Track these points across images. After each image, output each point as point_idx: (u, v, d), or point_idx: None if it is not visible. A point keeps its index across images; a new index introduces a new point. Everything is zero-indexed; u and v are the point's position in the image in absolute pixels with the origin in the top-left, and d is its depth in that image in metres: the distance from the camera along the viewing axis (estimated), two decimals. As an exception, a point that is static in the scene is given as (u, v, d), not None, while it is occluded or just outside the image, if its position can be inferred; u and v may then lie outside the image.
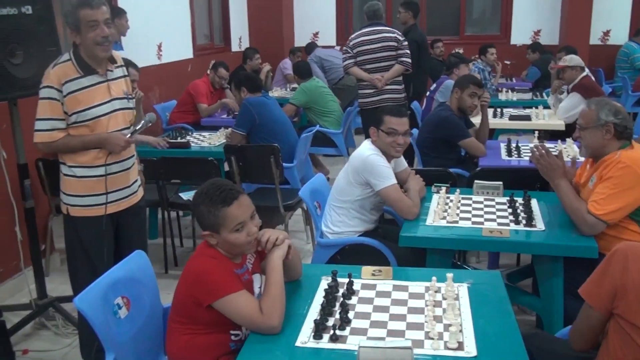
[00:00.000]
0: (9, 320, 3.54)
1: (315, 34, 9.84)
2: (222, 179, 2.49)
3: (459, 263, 3.46)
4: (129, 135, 2.83)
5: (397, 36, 5.55)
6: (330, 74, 8.03)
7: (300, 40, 9.80)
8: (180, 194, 4.31)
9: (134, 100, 3.00)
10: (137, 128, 2.89)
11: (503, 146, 4.39)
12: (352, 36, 5.66)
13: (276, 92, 7.64)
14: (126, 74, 2.97)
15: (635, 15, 8.87)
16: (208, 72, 6.43)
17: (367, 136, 3.26)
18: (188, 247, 4.69)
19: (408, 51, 5.55)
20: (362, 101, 5.61)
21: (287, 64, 8.88)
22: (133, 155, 2.99)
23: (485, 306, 2.07)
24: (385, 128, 3.08)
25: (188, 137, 4.99)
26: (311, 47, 8.61)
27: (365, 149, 3.07)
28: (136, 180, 3.04)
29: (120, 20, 5.34)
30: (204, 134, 5.15)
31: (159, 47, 6.81)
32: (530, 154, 3.93)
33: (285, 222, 4.24)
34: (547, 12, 9.05)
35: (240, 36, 9.10)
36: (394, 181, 2.99)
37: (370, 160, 3.00)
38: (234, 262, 2.03)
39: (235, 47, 8.93)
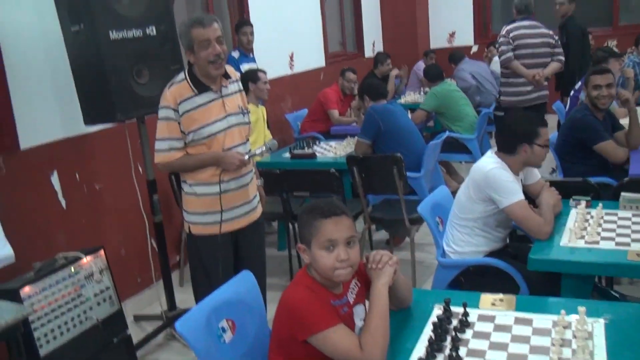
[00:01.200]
0: (143, 330, 3.73)
1: (452, 34, 9.49)
2: (337, 200, 2.39)
3: (604, 287, 3.06)
4: (247, 157, 2.82)
5: (552, 33, 5.38)
6: (479, 98, 6.97)
7: (436, 41, 9.51)
8: (305, 206, 4.29)
9: (248, 114, 2.98)
10: (257, 152, 2.88)
11: (661, 150, 3.87)
12: (510, 27, 5.33)
13: (409, 97, 7.44)
14: (241, 88, 2.97)
15: None
16: (339, 79, 6.42)
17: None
18: (314, 259, 4.66)
19: (562, 49, 5.35)
20: (509, 99, 5.29)
21: (421, 67, 8.63)
22: (251, 171, 2.98)
23: (626, 349, 1.75)
24: (542, 142, 2.81)
25: (315, 147, 4.97)
26: (456, 57, 7.57)
27: (488, 162, 2.80)
28: (255, 196, 3.03)
29: (240, 36, 5.47)
30: (331, 143, 5.10)
31: (291, 57, 6.90)
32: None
33: (412, 235, 4.04)
34: None
35: (373, 41, 9.01)
36: (521, 197, 2.70)
37: (492, 175, 2.73)
38: (333, 292, 1.89)
39: (368, 53, 8.85)
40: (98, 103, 3.14)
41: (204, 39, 2.67)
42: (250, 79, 4.74)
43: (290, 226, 4.28)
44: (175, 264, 4.44)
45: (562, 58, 5.34)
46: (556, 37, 5.41)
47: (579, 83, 5.22)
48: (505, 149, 2.85)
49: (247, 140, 2.95)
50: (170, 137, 2.75)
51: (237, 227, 2.90)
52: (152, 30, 3.21)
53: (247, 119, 2.95)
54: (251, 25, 5.59)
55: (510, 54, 5.23)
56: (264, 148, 2.90)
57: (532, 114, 2.98)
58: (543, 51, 5.29)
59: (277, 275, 4.31)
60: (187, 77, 2.75)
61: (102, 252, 3.09)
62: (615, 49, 7.63)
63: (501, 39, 5.33)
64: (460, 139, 5.63)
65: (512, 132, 2.86)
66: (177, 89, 2.74)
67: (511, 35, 5.25)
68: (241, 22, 5.67)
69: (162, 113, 2.76)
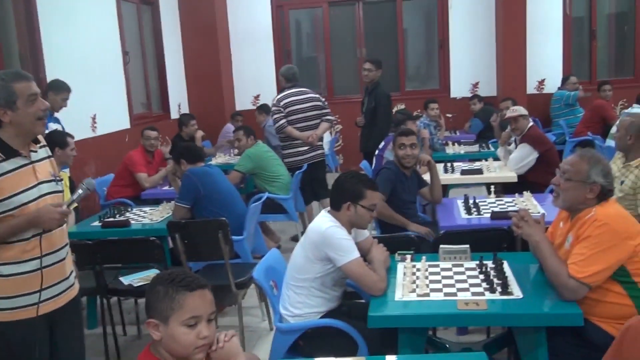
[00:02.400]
0: None
1: (257, 97, 9.70)
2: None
3: (433, 338, 3.19)
4: (65, 206, 2.48)
5: (319, 96, 6.13)
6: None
7: (242, 104, 9.65)
8: (120, 279, 3.93)
9: (62, 182, 2.67)
10: (74, 197, 2.56)
11: (461, 203, 4.24)
12: (280, 96, 5.98)
13: (220, 159, 7.37)
14: (50, 154, 2.66)
15: (566, 64, 9.14)
16: (141, 141, 6.16)
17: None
18: (132, 335, 4.28)
19: (329, 110, 6.12)
20: (292, 160, 5.95)
21: (229, 130, 8.66)
22: (67, 244, 2.65)
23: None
24: (368, 204, 2.87)
25: (128, 214, 4.64)
26: (267, 108, 7.79)
27: (323, 221, 2.83)
28: (72, 272, 2.69)
29: (55, 96, 5.08)
30: (145, 209, 4.80)
31: (93, 118, 6.49)
32: (490, 213, 3.86)
33: (239, 301, 3.90)
34: (483, 65, 9.22)
35: (179, 103, 8.86)
36: (357, 254, 2.75)
37: (329, 233, 2.75)
38: None
39: (174, 114, 8.66)
40: None
41: (31, 93, 2.39)
42: (57, 144, 4.33)
43: (105, 301, 3.89)
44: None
45: (331, 118, 6.13)
46: (323, 99, 6.16)
47: (383, 143, 5.60)
48: (332, 206, 2.92)
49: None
50: None
51: (55, 307, 2.54)
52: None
53: (60, 186, 2.63)
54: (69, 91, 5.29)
55: (283, 121, 5.89)
56: (80, 192, 2.59)
57: (365, 176, 3.08)
58: (313, 114, 5.99)
59: (90, 357, 3.86)
60: None
61: None
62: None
63: (274, 109, 5.98)
64: (277, 199, 5.67)
65: (339, 189, 2.93)
66: None
67: (282, 103, 5.90)
68: (58, 86, 5.28)
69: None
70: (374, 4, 9.65)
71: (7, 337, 2.46)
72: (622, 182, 3.74)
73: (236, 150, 7.68)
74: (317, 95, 6.08)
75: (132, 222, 4.40)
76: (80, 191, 2.59)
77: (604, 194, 2.56)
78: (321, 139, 6.03)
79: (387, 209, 4.08)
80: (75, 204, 2.68)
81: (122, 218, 4.48)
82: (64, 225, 2.59)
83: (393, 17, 9.52)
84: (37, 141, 2.56)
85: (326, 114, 6.04)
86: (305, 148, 5.91)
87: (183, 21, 9.01)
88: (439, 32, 9.45)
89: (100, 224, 4.36)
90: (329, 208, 2.94)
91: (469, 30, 9.21)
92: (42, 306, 2.47)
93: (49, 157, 2.64)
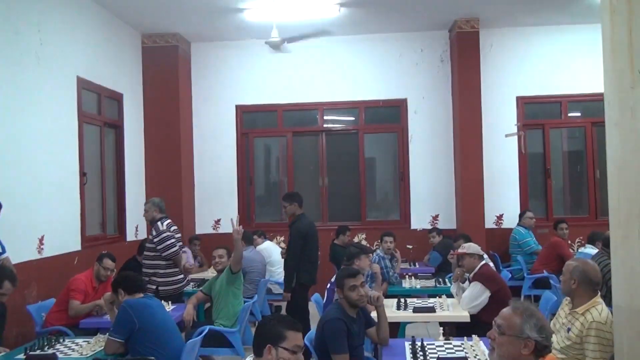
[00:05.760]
0: None
1: (217, 221, 9.63)
2: None
3: None
4: None
5: None
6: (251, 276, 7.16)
7: (202, 227, 9.55)
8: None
9: None
10: None
11: (408, 346, 4.06)
12: (167, 222, 6.38)
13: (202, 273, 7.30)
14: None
15: (523, 200, 9.34)
16: (95, 264, 5.92)
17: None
18: None
19: None
20: (170, 288, 6.24)
21: (187, 253, 8.49)
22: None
23: None
24: (290, 346, 2.69)
25: (58, 345, 4.35)
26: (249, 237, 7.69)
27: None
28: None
29: None
30: (78, 340, 4.52)
31: (41, 239, 6.29)
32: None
33: None
34: (443, 198, 9.38)
35: (137, 225, 8.70)
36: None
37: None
38: None
39: (130, 237, 8.51)
40: None
41: None
42: None
43: None
44: None
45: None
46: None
47: (335, 277, 5.46)
48: (255, 352, 2.75)
49: None
50: None
51: None
52: None
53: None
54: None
55: (178, 247, 6.35)
56: None
57: (288, 317, 2.92)
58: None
59: None
60: None
61: None
62: (365, 241, 8.41)
63: (167, 234, 6.27)
64: (223, 332, 5.41)
65: (259, 332, 2.77)
66: None
67: (172, 229, 6.37)
68: None
69: None
70: (336, 135, 9.92)
71: None
72: (568, 330, 3.65)
73: (190, 275, 7.56)
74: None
75: (61, 355, 4.11)
76: None
77: (540, 350, 2.46)
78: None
79: None
80: None
81: (49, 351, 4.19)
82: None
83: (355, 148, 9.76)
84: None
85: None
86: (181, 277, 6.44)
87: (147, 144, 9.10)
88: (400, 164, 9.67)
89: (25, 357, 4.06)
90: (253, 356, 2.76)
91: (429, 162, 9.46)
92: None
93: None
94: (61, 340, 4.51)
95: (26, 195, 6.06)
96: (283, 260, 7.01)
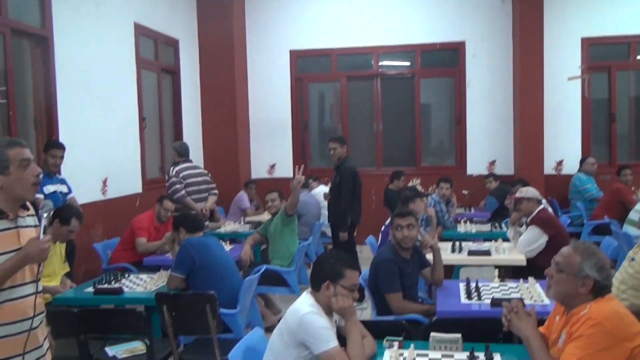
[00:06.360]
0: None
1: (272, 166, 9.75)
2: None
3: None
4: (42, 235, 2.46)
5: (207, 172, 6.88)
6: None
7: (257, 172, 9.69)
8: (105, 349, 3.81)
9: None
10: (44, 225, 2.48)
11: (462, 287, 4.07)
12: (178, 168, 6.46)
13: (229, 227, 7.32)
14: (37, 223, 2.64)
15: (585, 146, 9.05)
16: (155, 206, 6.13)
17: None
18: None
19: (214, 184, 6.74)
20: None
21: (242, 198, 8.66)
22: (43, 312, 2.59)
23: None
24: (348, 284, 2.75)
25: (124, 281, 4.56)
26: None
27: (303, 305, 2.70)
28: (45, 339, 2.61)
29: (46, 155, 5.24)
30: (142, 276, 4.72)
31: (104, 182, 6.53)
32: (490, 299, 3.69)
33: (225, 379, 3.73)
34: (500, 143, 9.17)
35: (194, 169, 8.88)
36: (335, 343, 2.60)
37: (306, 320, 2.62)
38: None
39: (189, 180, 8.70)
40: None
41: (25, 158, 2.45)
42: (61, 219, 4.34)
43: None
44: None
45: (216, 192, 6.74)
46: (210, 175, 6.81)
47: (389, 220, 5.48)
48: (312, 286, 2.82)
49: (39, 279, 2.58)
50: None
51: None
52: None
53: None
54: (63, 149, 5.27)
55: (183, 192, 6.36)
56: (44, 219, 2.49)
57: (345, 255, 2.96)
58: (204, 187, 6.61)
59: None
60: None
61: None
62: (420, 187, 8.35)
63: (174, 179, 6.37)
64: (278, 271, 5.55)
65: (318, 269, 2.83)
66: None
67: (181, 175, 6.39)
68: (52, 144, 5.32)
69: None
70: (392, 80, 9.77)
71: None
72: (632, 259, 3.59)
73: (248, 218, 7.74)
74: (206, 171, 6.89)
75: (126, 289, 4.31)
76: (44, 219, 2.53)
77: (599, 290, 2.41)
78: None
79: (407, 305, 3.93)
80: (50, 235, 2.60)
81: (116, 285, 4.40)
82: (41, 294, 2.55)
83: (411, 93, 9.61)
84: (26, 207, 2.57)
85: (212, 188, 6.71)
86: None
87: (203, 89, 9.19)
88: (457, 108, 9.48)
89: (93, 289, 4.29)
90: (310, 289, 2.82)
91: (487, 108, 9.23)
92: None
93: (35, 225, 2.62)
94: (126, 275, 4.73)
95: (90, 140, 6.28)
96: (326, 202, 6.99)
